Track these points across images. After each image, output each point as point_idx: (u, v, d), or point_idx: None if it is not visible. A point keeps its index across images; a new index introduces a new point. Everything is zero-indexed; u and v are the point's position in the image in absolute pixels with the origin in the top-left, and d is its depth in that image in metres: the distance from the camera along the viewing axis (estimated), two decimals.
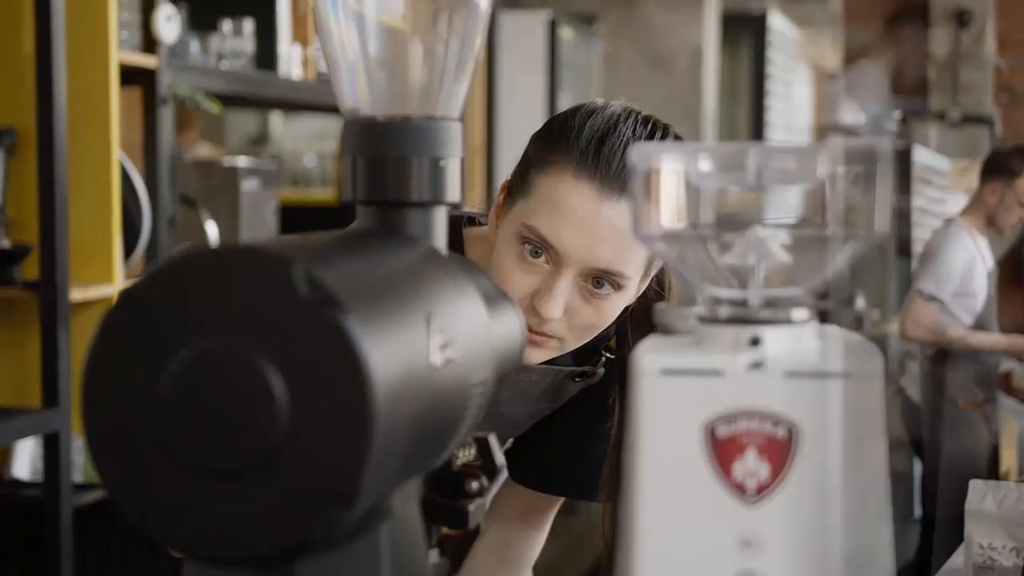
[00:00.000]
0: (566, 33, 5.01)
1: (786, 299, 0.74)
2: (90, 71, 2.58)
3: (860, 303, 6.55)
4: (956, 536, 4.86)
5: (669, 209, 0.75)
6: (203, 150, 4.30)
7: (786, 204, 0.76)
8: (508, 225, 1.29)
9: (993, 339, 4.51)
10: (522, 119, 4.01)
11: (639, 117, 1.29)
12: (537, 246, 1.25)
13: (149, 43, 2.78)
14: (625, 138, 1.26)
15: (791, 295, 0.75)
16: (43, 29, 2.46)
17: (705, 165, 0.74)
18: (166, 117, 2.78)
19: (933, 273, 4.34)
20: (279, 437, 0.63)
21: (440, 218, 0.87)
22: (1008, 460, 4.74)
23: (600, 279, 1.25)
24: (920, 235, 7.49)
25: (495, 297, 0.90)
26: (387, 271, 0.74)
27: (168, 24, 2.75)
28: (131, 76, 2.75)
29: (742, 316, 0.73)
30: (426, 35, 0.87)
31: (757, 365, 0.71)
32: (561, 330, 1.28)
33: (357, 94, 0.88)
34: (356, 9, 0.87)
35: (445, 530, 0.85)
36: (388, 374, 0.64)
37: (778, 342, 0.72)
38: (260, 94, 3.27)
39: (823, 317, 0.75)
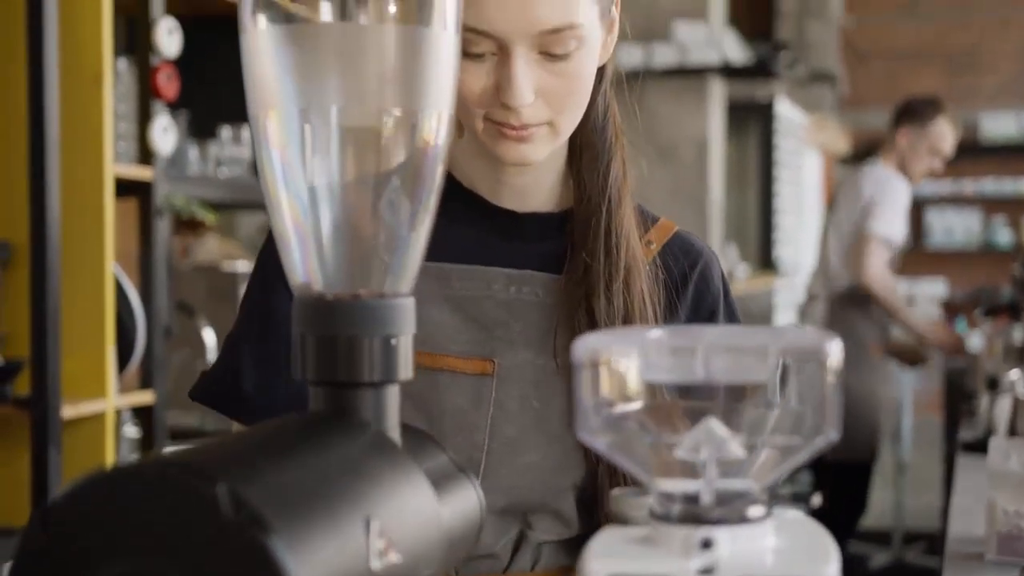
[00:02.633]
0: None
1: (740, 495, 0.72)
2: (85, 184, 2.59)
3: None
4: (854, 480, 4.81)
5: (616, 402, 0.73)
6: (212, 243, 4.30)
7: (738, 398, 0.74)
8: None
9: (924, 324, 4.55)
10: None
11: None
12: (475, 43, 1.14)
13: (146, 153, 2.78)
14: None
15: (745, 490, 0.72)
16: (38, 142, 2.47)
17: (653, 359, 0.72)
18: (162, 228, 2.77)
19: (883, 216, 4.30)
20: None
21: (392, 397, 0.85)
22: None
23: (554, 43, 1.13)
24: (781, 189, 7.60)
25: (449, 475, 0.87)
26: (324, 474, 0.72)
27: (164, 135, 2.76)
28: (127, 187, 2.75)
29: (694, 514, 0.71)
30: (377, 212, 0.86)
31: (708, 572, 0.69)
32: (543, 114, 1.16)
33: (308, 270, 0.86)
34: (305, 184, 0.86)
35: None
36: None
37: (732, 542, 0.70)
38: (259, 200, 3.27)
39: None
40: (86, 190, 2.59)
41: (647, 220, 1.32)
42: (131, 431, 2.86)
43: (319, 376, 0.83)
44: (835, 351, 0.70)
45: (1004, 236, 10.29)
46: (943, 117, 4.43)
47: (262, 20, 0.82)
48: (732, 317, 1.32)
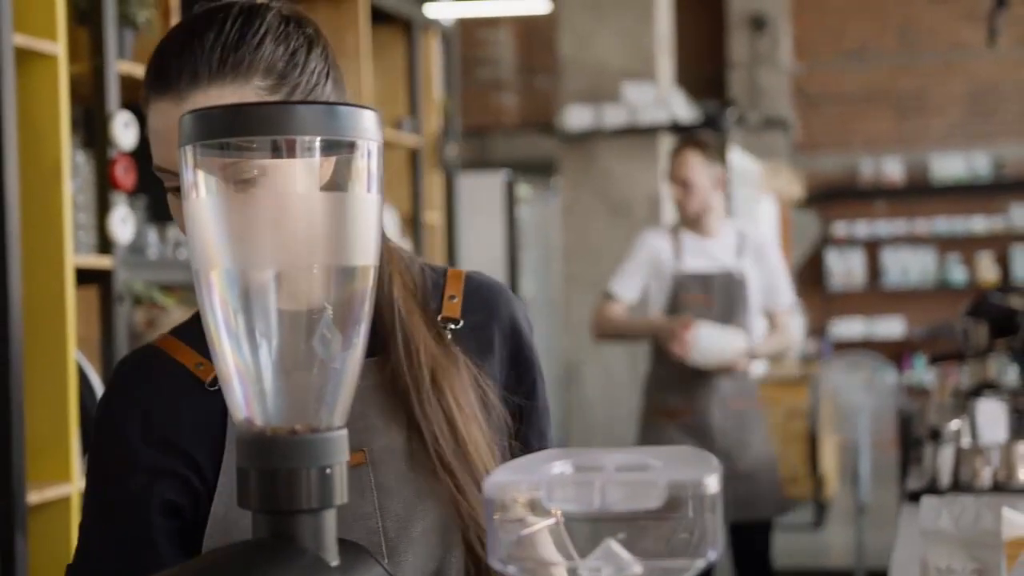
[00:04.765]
0: (523, 190, 5.14)
1: None
2: (46, 274, 2.66)
3: None
4: (758, 538, 4.52)
5: (522, 529, 0.82)
6: (176, 316, 4.35)
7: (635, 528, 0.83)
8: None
9: (653, 320, 4.17)
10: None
11: (216, 8, 1.22)
12: (167, 180, 1.21)
13: (105, 242, 2.86)
14: (193, 28, 1.21)
15: None
16: None
17: (556, 492, 0.81)
18: (122, 314, 2.85)
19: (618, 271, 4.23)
20: None
21: (329, 521, 0.94)
22: None
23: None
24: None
25: None
26: None
27: (123, 225, 2.84)
28: (88, 276, 2.83)
29: None
30: (310, 352, 0.95)
31: None
32: None
33: (249, 408, 0.95)
34: (245, 331, 0.94)
35: None
36: None
37: None
38: None
39: None
40: (47, 280, 2.66)
41: (437, 274, 1.37)
42: None
43: (261, 505, 0.92)
44: (712, 483, 0.79)
45: (959, 274, 10.48)
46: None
47: (202, 190, 0.91)
48: (532, 349, 1.39)
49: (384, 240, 1.29)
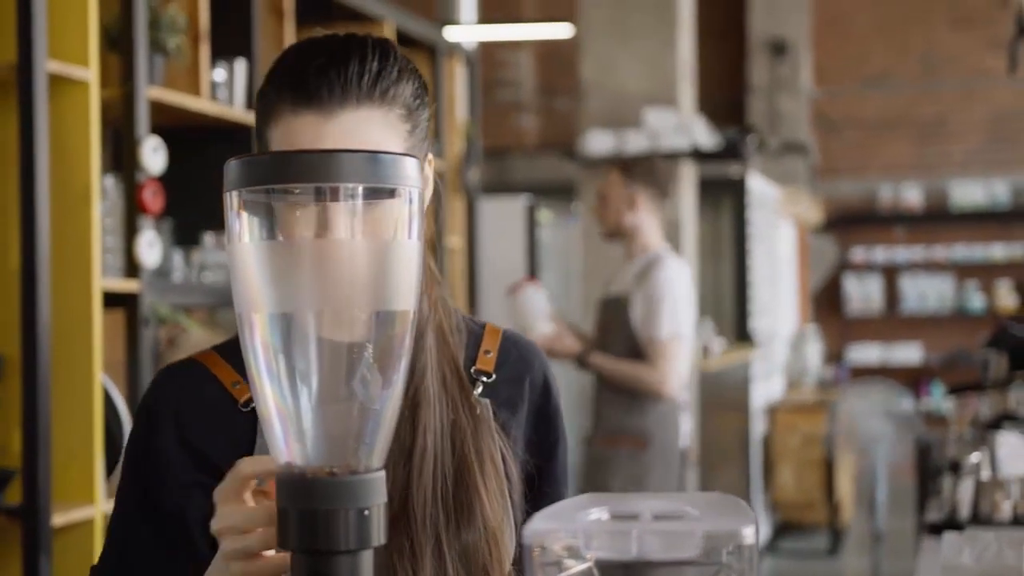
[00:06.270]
0: (544, 216, 5.15)
1: None
2: (74, 297, 2.69)
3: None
4: None
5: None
6: (196, 334, 4.36)
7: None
8: None
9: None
10: (505, 300, 4.11)
11: (341, 35, 1.25)
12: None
13: (132, 266, 2.89)
14: (334, 48, 1.22)
15: None
16: (29, 257, 2.58)
17: (591, 541, 0.82)
18: (148, 337, 2.88)
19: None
20: None
21: (367, 562, 0.95)
22: None
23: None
24: (755, 262, 7.71)
25: None
26: None
27: (150, 249, 2.87)
28: (114, 299, 2.85)
29: None
30: (351, 395, 0.96)
31: None
32: None
33: (289, 450, 0.96)
34: (286, 374, 0.96)
35: None
36: None
37: None
38: None
39: None
40: (75, 304, 2.69)
41: (476, 327, 1.39)
42: None
43: (300, 545, 0.94)
44: (750, 533, 0.80)
45: (977, 301, 10.45)
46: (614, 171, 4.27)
47: (245, 235, 0.93)
48: (559, 414, 1.40)
49: (432, 286, 1.31)
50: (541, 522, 0.83)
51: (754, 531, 0.80)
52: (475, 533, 1.25)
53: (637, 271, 4.09)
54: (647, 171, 4.16)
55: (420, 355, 1.28)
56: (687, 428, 4.18)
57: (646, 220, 4.13)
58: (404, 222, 0.94)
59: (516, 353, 1.38)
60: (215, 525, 1.04)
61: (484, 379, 1.34)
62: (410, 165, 0.95)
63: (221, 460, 1.24)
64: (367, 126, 1.20)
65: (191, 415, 1.29)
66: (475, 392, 1.32)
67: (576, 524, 0.83)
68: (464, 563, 1.25)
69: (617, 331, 4.04)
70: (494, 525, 1.26)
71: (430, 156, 1.32)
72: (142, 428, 1.31)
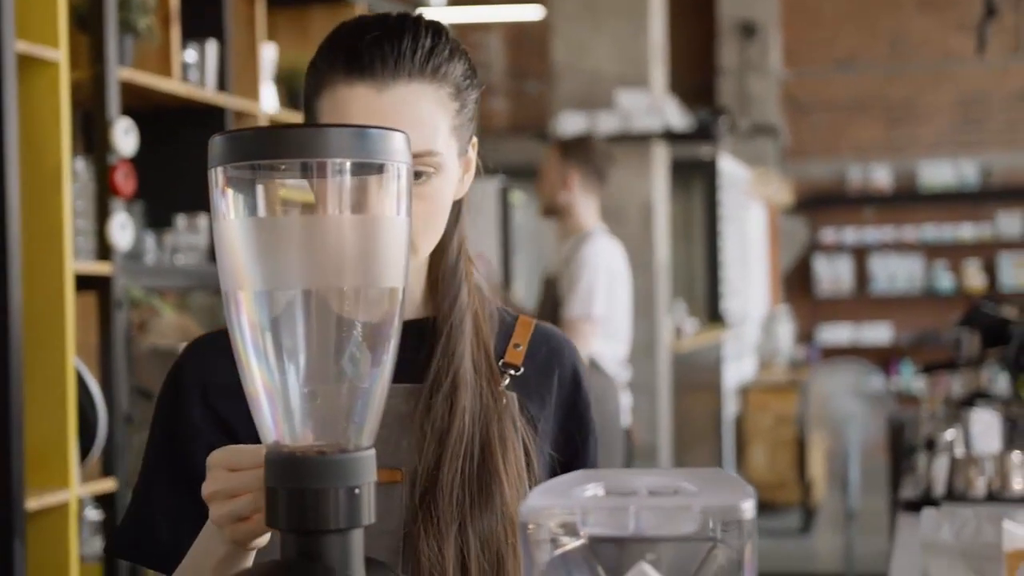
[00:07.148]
0: (516, 198, 5.14)
1: None
2: (46, 281, 2.66)
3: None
4: None
5: (555, 551, 0.83)
6: (167, 318, 4.33)
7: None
8: None
9: None
10: None
11: (394, 13, 1.26)
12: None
13: (104, 249, 2.86)
14: (388, 24, 1.24)
15: None
16: None
17: (588, 517, 0.82)
18: (120, 319, 2.85)
19: None
20: None
21: (357, 540, 0.94)
22: None
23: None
24: (726, 243, 7.75)
25: None
26: None
27: (122, 231, 2.84)
28: (86, 282, 2.82)
29: None
30: (339, 374, 0.95)
31: None
32: None
33: (277, 429, 0.95)
34: (273, 352, 0.94)
35: None
36: None
37: None
38: (215, 285, 3.34)
39: None
40: (47, 286, 2.66)
41: (509, 318, 1.39)
42: (93, 514, 2.91)
43: (289, 525, 0.93)
44: (748, 508, 0.79)
45: (946, 281, 10.51)
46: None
47: (231, 212, 0.91)
48: (588, 409, 1.40)
49: (471, 273, 1.32)
50: (537, 498, 0.82)
51: (752, 506, 0.79)
52: (493, 518, 1.25)
53: (567, 250, 4.13)
54: (583, 151, 4.18)
55: (460, 339, 1.29)
56: (626, 406, 4.19)
57: (580, 199, 4.15)
58: (392, 198, 0.93)
59: (547, 347, 1.38)
60: (206, 490, 1.04)
61: (512, 372, 1.34)
62: (398, 140, 0.93)
63: (244, 432, 1.24)
64: (417, 100, 1.22)
65: (217, 387, 1.29)
66: (503, 384, 1.32)
67: (572, 500, 0.82)
68: (481, 546, 1.25)
69: (549, 310, 4.09)
70: (512, 512, 1.26)
71: (474, 139, 1.33)
72: (170, 396, 1.32)
